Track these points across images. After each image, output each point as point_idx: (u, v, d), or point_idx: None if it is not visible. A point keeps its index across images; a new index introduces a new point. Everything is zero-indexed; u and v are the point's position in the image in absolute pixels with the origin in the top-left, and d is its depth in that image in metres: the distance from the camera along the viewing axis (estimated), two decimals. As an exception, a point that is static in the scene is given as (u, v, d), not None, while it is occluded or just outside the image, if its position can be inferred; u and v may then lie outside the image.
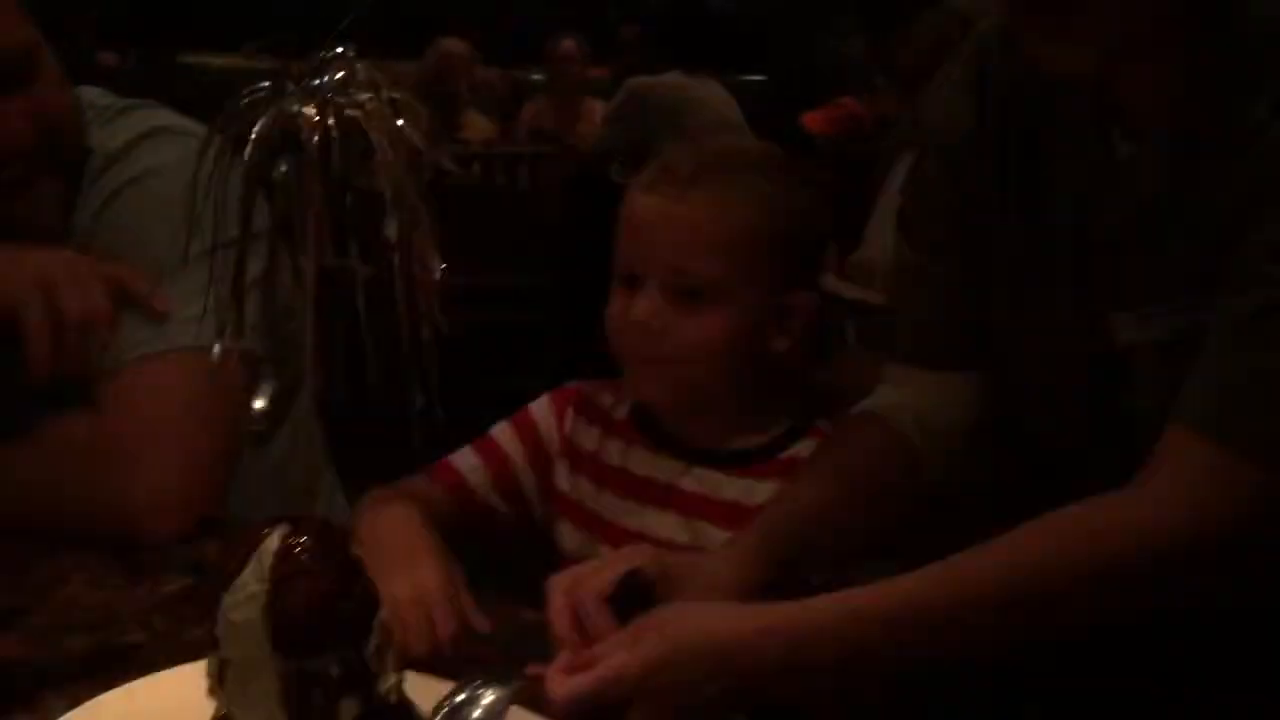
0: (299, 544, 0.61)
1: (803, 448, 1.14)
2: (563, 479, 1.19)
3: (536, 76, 5.55)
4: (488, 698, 0.78)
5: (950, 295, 1.09)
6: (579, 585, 0.88)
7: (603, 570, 0.90)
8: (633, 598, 0.88)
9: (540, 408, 1.23)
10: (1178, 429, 0.88)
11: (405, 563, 0.99)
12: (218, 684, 0.62)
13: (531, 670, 0.81)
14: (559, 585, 0.89)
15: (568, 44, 5.16)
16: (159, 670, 0.81)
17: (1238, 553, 0.87)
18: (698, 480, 1.14)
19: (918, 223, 1.13)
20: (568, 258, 3.89)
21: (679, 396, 1.14)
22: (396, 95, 0.59)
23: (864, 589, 0.86)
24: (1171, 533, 0.85)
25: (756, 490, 1.12)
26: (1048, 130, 1.02)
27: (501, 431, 1.22)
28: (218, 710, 0.63)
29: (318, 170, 0.57)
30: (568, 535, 1.19)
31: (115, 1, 6.12)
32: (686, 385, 1.12)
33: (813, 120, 4.79)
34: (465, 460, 1.20)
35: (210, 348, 1.19)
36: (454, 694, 0.77)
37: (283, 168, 0.55)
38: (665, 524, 1.13)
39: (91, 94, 1.30)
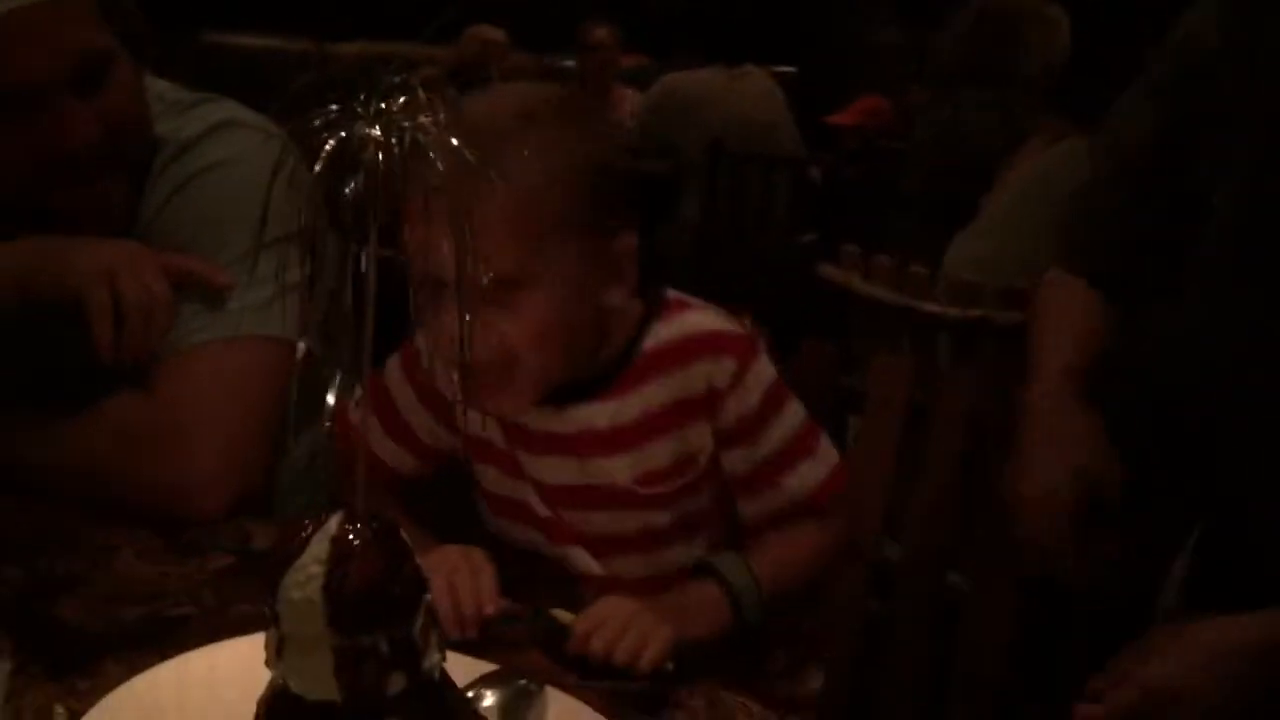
0: (355, 529, 0.66)
1: (662, 332, 1.06)
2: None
3: (568, 63, 5.57)
4: (521, 680, 0.84)
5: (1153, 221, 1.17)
6: None
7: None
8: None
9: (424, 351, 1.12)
10: None
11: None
12: (276, 656, 0.67)
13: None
14: None
15: (600, 31, 5.18)
16: (207, 641, 0.86)
17: None
18: (570, 419, 1.08)
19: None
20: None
21: (536, 395, 1.05)
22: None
23: None
24: None
25: (628, 404, 1.07)
26: None
27: (393, 375, 1.16)
28: (274, 680, 0.68)
29: (381, 189, 0.61)
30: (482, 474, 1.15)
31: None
32: (535, 384, 1.03)
33: (839, 118, 4.81)
34: (373, 433, 1.15)
35: (264, 337, 1.25)
36: (492, 675, 0.83)
37: (348, 187, 0.59)
38: (560, 469, 1.10)
39: (162, 86, 1.34)
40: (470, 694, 0.80)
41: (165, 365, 1.22)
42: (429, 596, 0.69)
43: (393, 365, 1.18)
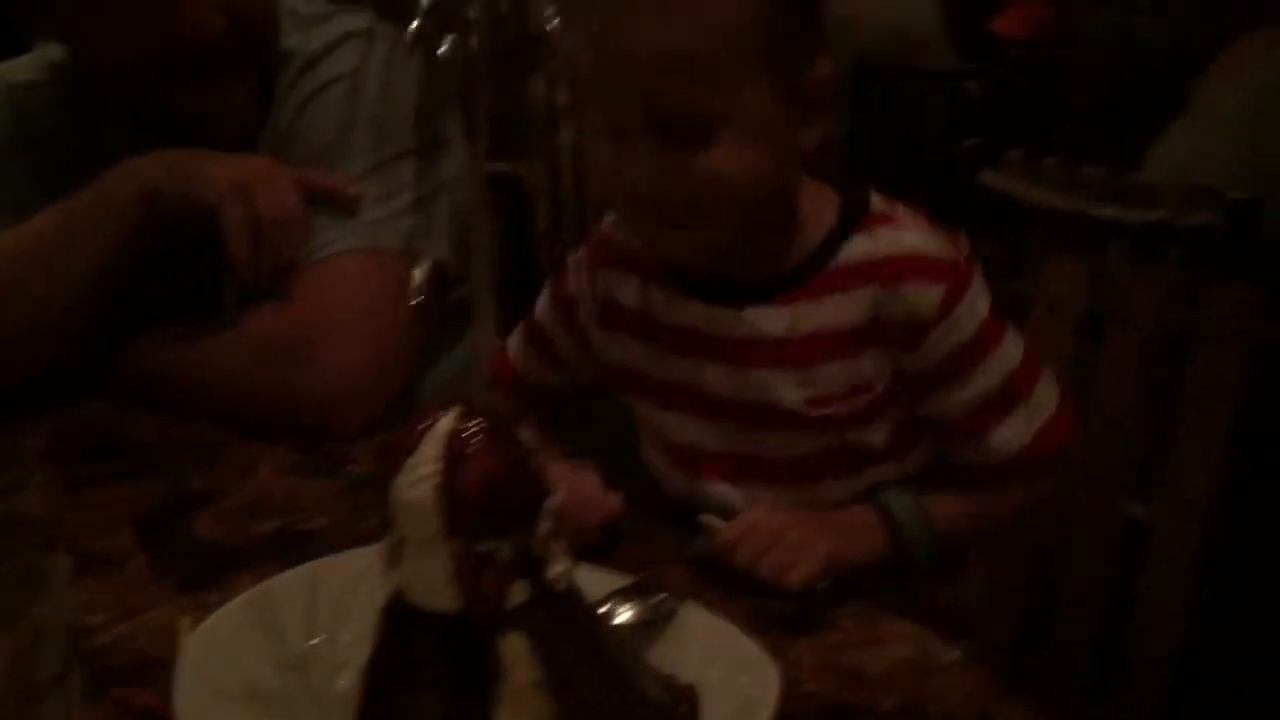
0: (471, 426, 0.60)
1: (861, 245, 0.94)
2: (605, 347, 1.05)
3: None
4: (659, 595, 0.78)
5: None
6: None
7: None
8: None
9: (574, 264, 1.07)
10: None
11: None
12: (392, 563, 0.62)
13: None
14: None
15: None
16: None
17: None
18: (746, 323, 0.96)
19: None
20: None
21: (722, 247, 0.94)
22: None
23: None
24: None
25: (805, 315, 0.94)
26: None
27: (543, 308, 1.11)
28: (392, 589, 0.64)
29: (484, 49, 0.55)
30: (621, 402, 1.07)
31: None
32: (723, 233, 0.92)
33: (1001, 26, 4.56)
34: (515, 343, 1.13)
35: (398, 249, 1.23)
36: (622, 589, 0.77)
37: (445, 44, 0.53)
38: (721, 378, 0.98)
39: (295, 0, 1.33)
40: (603, 608, 0.74)
41: (301, 277, 1.20)
42: (554, 500, 0.64)
43: (545, 298, 1.12)
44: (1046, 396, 0.97)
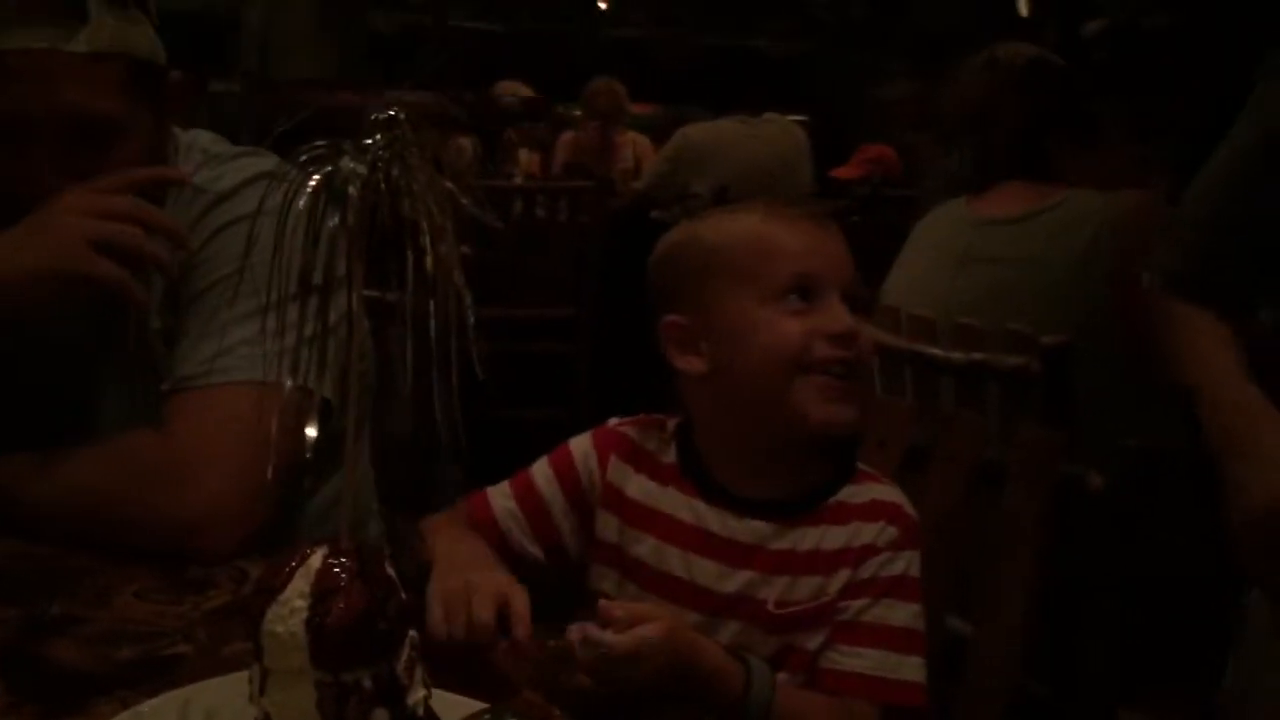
0: (340, 563, 0.66)
1: (850, 492, 1.15)
2: (602, 525, 1.19)
3: (578, 112, 5.65)
4: (511, 717, 0.83)
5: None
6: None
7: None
8: None
9: (581, 450, 1.21)
10: None
11: (471, 568, 1.05)
12: (259, 692, 0.67)
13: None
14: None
15: (601, 82, 5.26)
16: (200, 680, 0.85)
17: None
18: (750, 530, 1.13)
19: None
20: (606, 291, 3.95)
21: (861, 414, 1.16)
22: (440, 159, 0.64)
23: None
24: None
25: (807, 537, 1.12)
26: None
27: (541, 474, 1.21)
28: (258, 716, 0.68)
29: (364, 224, 0.62)
30: (604, 578, 1.19)
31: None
32: (865, 402, 1.17)
33: (840, 173, 4.85)
34: (501, 503, 1.20)
35: (281, 383, 1.27)
36: (483, 712, 0.82)
37: (332, 222, 0.60)
38: (712, 572, 1.13)
39: (205, 139, 1.39)
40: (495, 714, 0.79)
41: (180, 402, 1.24)
42: (414, 634, 0.69)
43: (542, 467, 1.21)
44: (918, 670, 1.11)
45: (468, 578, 1.01)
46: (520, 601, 0.99)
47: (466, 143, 5.18)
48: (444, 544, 1.12)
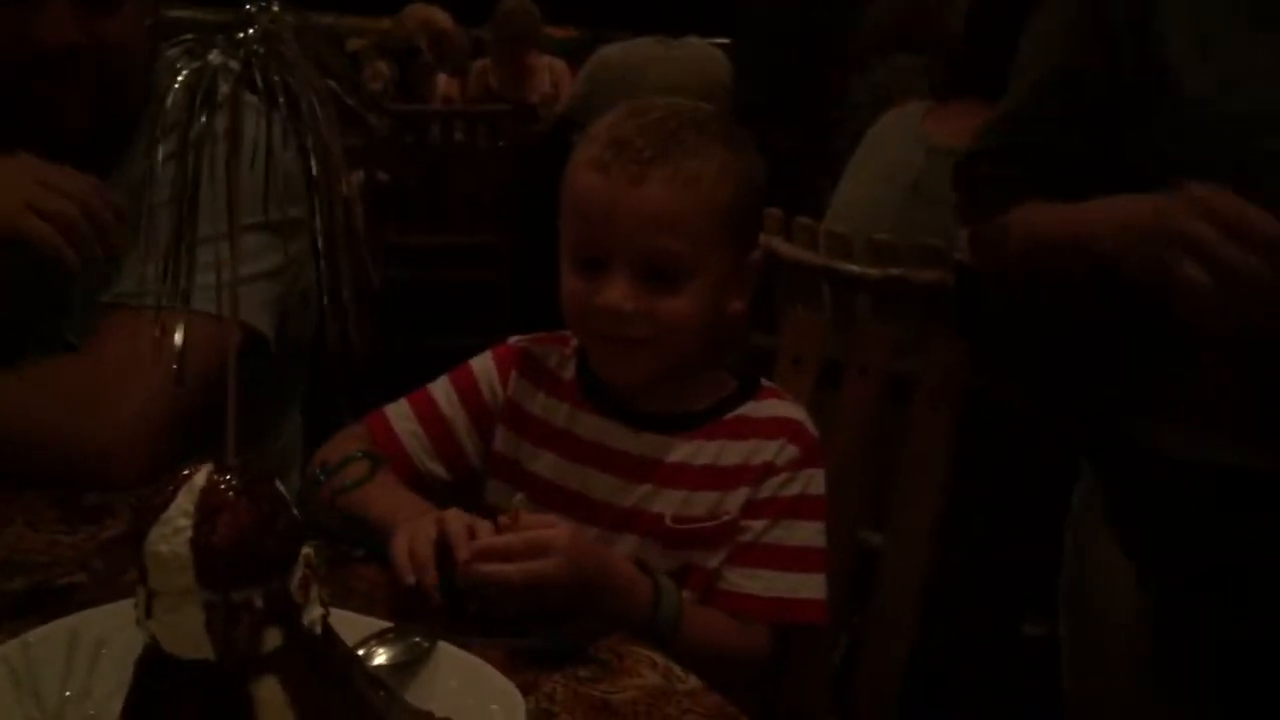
0: (224, 479, 0.63)
1: (750, 408, 1.14)
2: (501, 440, 1.19)
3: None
4: (414, 637, 0.82)
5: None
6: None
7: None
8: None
9: (483, 367, 1.20)
10: None
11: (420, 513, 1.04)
12: (145, 614, 0.64)
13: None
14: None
15: (510, 2, 5.12)
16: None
17: None
18: (645, 444, 1.13)
19: None
20: (526, 218, 3.91)
21: (656, 374, 1.12)
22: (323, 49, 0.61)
23: None
24: None
25: (703, 451, 1.12)
26: None
27: (442, 393, 1.20)
28: (149, 639, 0.66)
29: (234, 127, 0.59)
30: (501, 493, 1.18)
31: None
32: (663, 363, 1.11)
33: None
34: (403, 423, 1.18)
35: (214, 315, 1.24)
36: (379, 633, 0.81)
37: (199, 122, 0.57)
38: (608, 486, 1.13)
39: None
40: (360, 651, 0.78)
41: (107, 323, 1.21)
42: (308, 550, 0.67)
43: (443, 385, 1.20)
44: (819, 588, 1.10)
45: (434, 517, 1.00)
46: (482, 528, 0.98)
47: (383, 66, 5.06)
48: (396, 495, 1.11)
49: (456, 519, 0.99)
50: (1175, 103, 1.12)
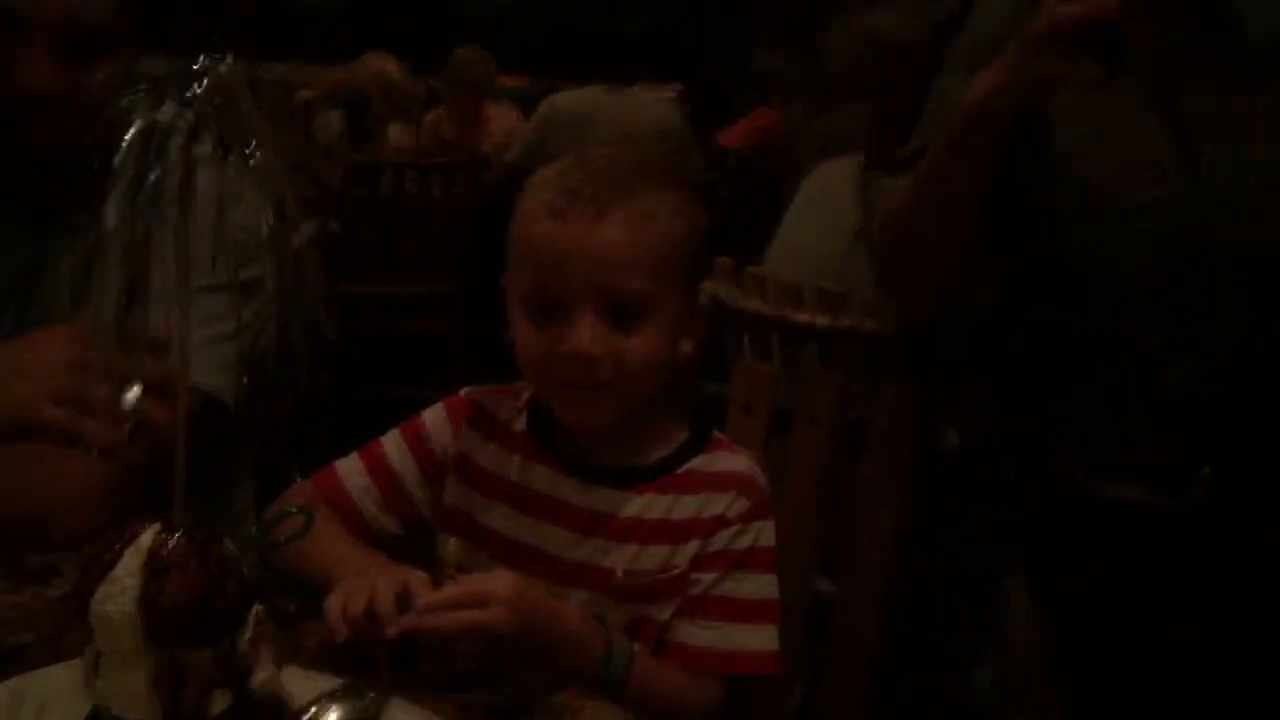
0: (173, 539, 0.63)
1: (701, 461, 1.14)
2: (452, 492, 1.17)
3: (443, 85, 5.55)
4: (366, 696, 0.81)
5: None
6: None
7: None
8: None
9: (434, 419, 1.19)
10: None
11: (372, 570, 1.03)
12: (93, 675, 0.63)
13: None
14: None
15: (464, 52, 5.16)
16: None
17: None
18: (598, 498, 1.13)
19: None
20: (478, 267, 3.92)
21: (619, 416, 1.12)
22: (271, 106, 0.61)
23: None
24: None
25: (655, 505, 1.12)
26: None
27: (393, 445, 1.19)
28: (95, 701, 0.65)
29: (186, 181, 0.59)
30: (452, 547, 1.15)
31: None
32: (625, 405, 1.11)
33: (728, 137, 4.87)
34: (354, 478, 1.17)
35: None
36: (331, 691, 0.80)
37: (152, 177, 0.57)
38: (561, 539, 1.12)
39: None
40: (312, 709, 0.77)
41: None
42: (258, 610, 0.67)
43: (394, 438, 1.19)
44: (773, 640, 1.10)
45: (371, 577, 0.98)
46: (419, 584, 0.97)
47: (335, 116, 5.05)
48: (338, 549, 1.10)
49: (388, 586, 0.96)
50: (1053, 158, 1.23)
